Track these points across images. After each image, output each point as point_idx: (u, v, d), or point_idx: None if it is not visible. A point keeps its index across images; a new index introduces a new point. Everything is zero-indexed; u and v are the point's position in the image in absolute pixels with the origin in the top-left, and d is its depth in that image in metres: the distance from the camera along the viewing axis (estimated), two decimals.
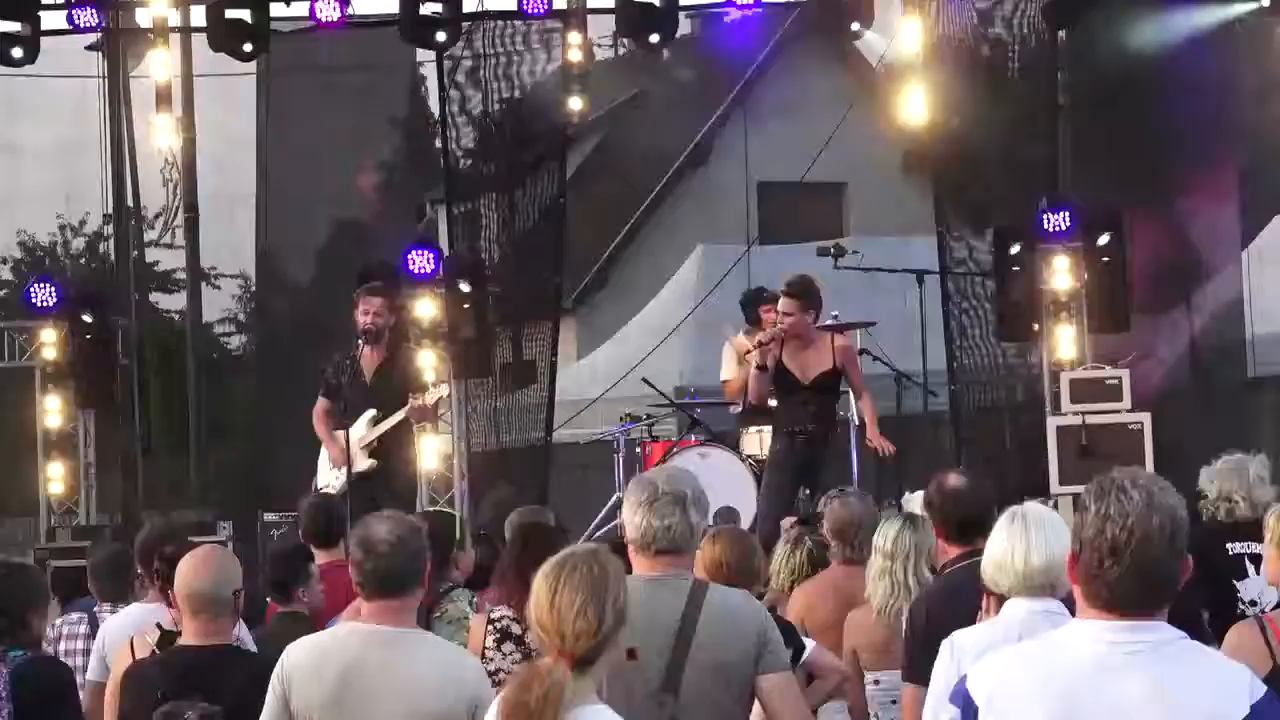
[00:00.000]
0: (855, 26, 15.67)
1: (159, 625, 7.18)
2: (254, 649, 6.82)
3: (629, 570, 5.85)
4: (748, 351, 12.99)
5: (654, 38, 15.39)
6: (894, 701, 7.45)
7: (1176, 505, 3.79)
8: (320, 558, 8.77)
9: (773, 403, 13.23)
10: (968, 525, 6.69)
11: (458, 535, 8.06)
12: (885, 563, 7.64)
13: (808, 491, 13.03)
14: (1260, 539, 7.78)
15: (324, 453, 12.90)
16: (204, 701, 5.90)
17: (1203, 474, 8.68)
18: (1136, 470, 3.87)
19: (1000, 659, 3.92)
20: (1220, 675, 3.79)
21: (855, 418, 14.86)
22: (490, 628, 7.12)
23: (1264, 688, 3.77)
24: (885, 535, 7.71)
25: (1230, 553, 8.26)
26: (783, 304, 12.94)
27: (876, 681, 7.65)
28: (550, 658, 4.47)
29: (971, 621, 6.06)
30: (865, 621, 7.71)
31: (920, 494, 8.96)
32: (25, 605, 6.92)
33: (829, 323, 15.35)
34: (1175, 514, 3.77)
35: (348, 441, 12.21)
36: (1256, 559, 8.02)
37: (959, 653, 5.90)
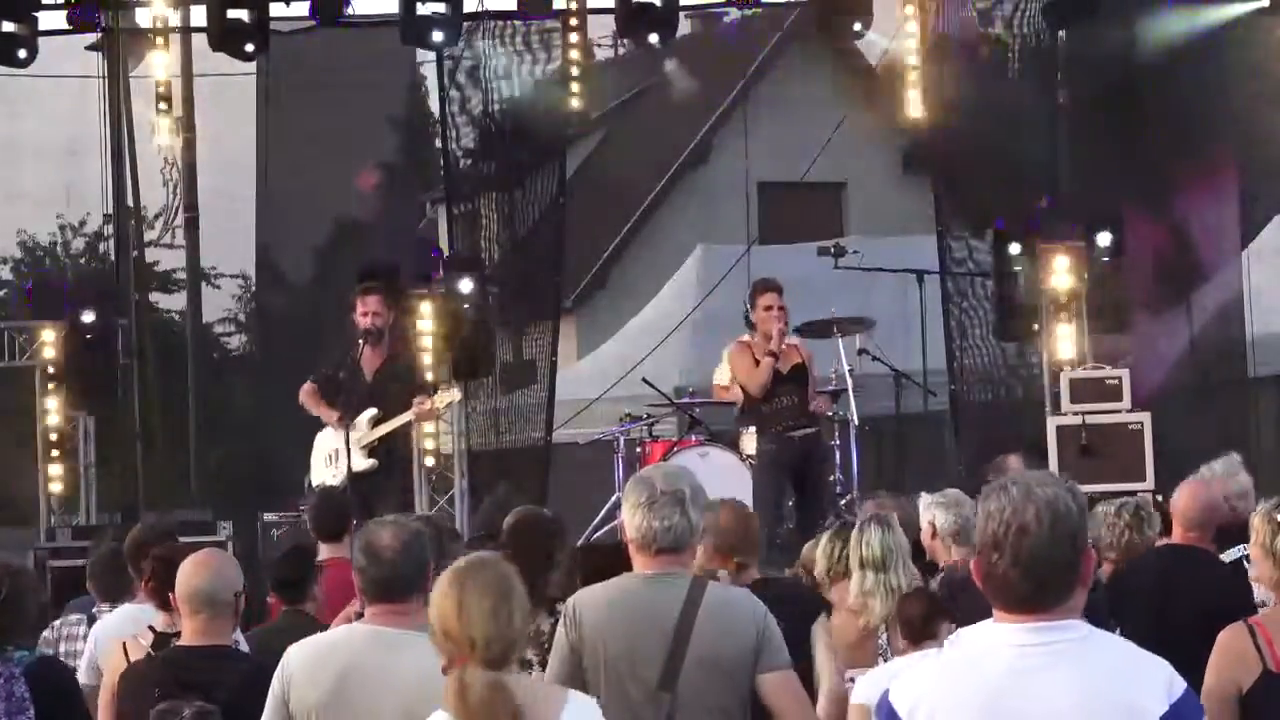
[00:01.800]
0: (855, 26, 15.67)
1: (151, 628, 7.17)
2: (247, 650, 6.81)
3: (629, 569, 5.87)
4: (768, 352, 13.10)
5: (654, 38, 15.39)
6: None
7: (1057, 497, 3.82)
8: (326, 553, 8.79)
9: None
10: None
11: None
12: (878, 575, 7.62)
13: (792, 502, 13.09)
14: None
15: (317, 451, 12.86)
16: (200, 700, 5.90)
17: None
18: (1028, 470, 3.94)
19: (920, 670, 3.95)
20: (1138, 671, 3.79)
21: (854, 418, 14.87)
22: None
23: (1184, 684, 3.78)
24: (870, 545, 7.68)
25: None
26: (774, 298, 13.10)
27: (851, 680, 7.64)
28: (451, 665, 4.54)
29: None
30: (838, 623, 7.68)
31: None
32: (30, 605, 6.92)
33: (827, 318, 15.39)
34: (1056, 505, 3.80)
35: (348, 441, 12.18)
36: None
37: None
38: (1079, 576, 3.83)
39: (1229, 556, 8.18)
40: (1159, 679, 3.77)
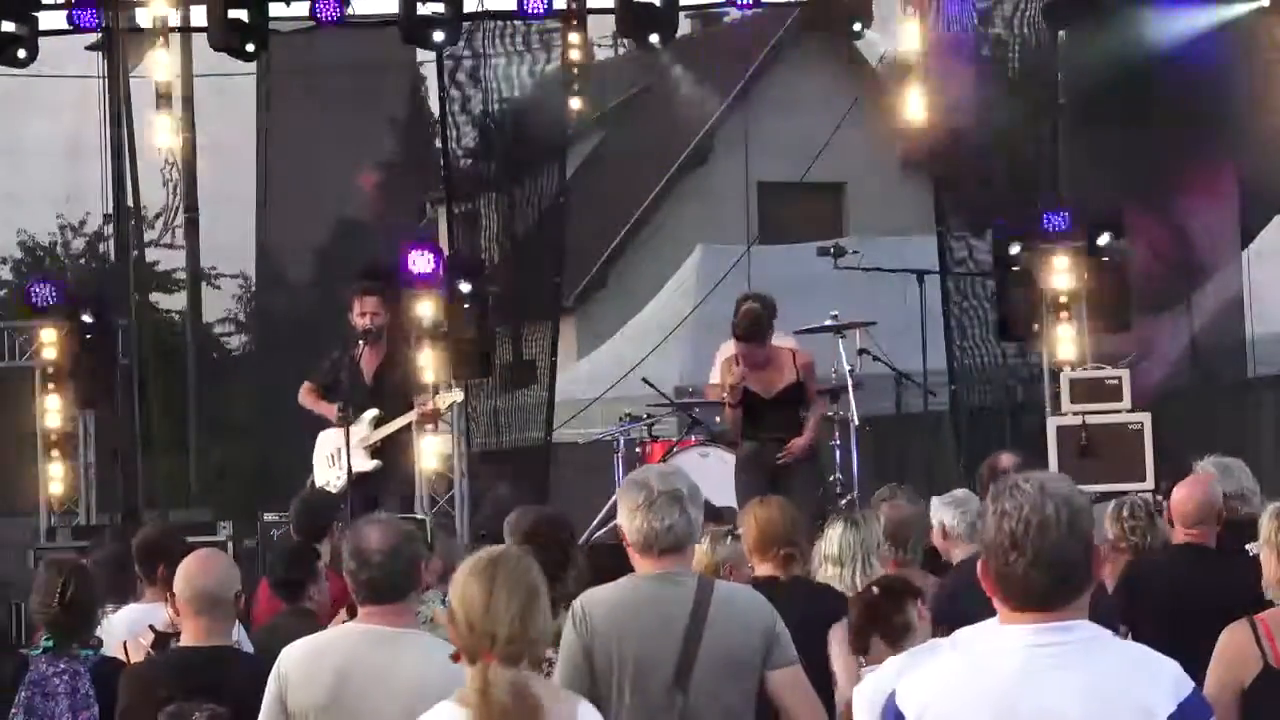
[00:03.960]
0: (855, 26, 15.67)
1: (152, 627, 7.17)
2: (250, 650, 6.82)
3: (629, 571, 5.87)
4: (723, 390, 12.72)
5: (654, 38, 15.39)
6: None
7: (1072, 494, 3.81)
8: None
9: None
10: None
11: (427, 541, 8.10)
12: (835, 569, 7.67)
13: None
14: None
15: (319, 451, 12.85)
16: (210, 702, 5.90)
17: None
18: (1035, 471, 3.93)
19: (927, 672, 3.93)
20: (1146, 671, 3.79)
21: (854, 418, 14.86)
22: None
23: (1191, 684, 3.78)
24: (831, 541, 7.73)
25: (1251, 554, 8.31)
26: (738, 348, 12.35)
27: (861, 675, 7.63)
28: (468, 657, 4.52)
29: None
30: None
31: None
32: (95, 604, 6.94)
33: (827, 322, 15.37)
34: (1071, 501, 3.80)
35: (348, 441, 12.17)
36: None
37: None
38: (1091, 573, 3.83)
39: (1253, 550, 8.30)
40: (1167, 679, 3.76)
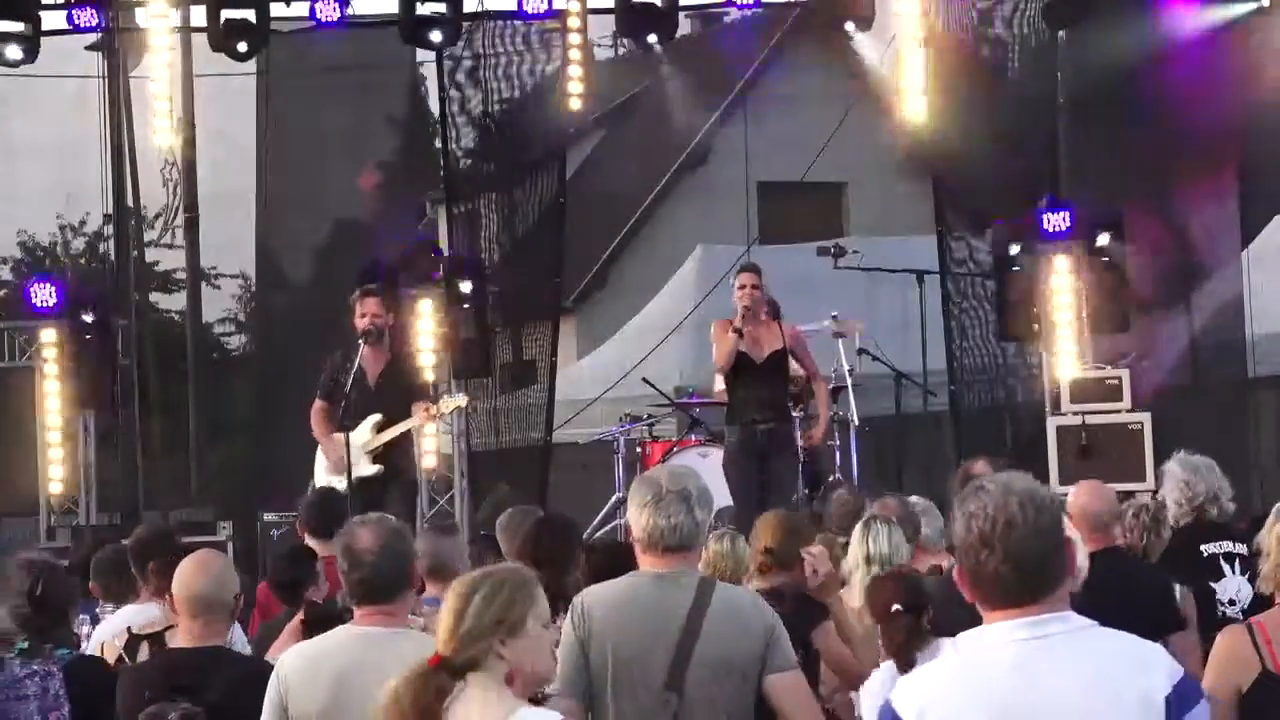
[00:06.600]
0: (854, 26, 15.67)
1: (129, 629, 7.18)
2: (248, 651, 6.81)
3: (635, 568, 5.87)
4: (733, 328, 12.90)
5: (654, 38, 15.39)
6: None
7: (1035, 490, 3.89)
8: (320, 550, 8.77)
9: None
10: None
11: None
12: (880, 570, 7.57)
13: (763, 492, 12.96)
14: (1232, 538, 8.03)
15: (320, 457, 12.83)
16: (187, 702, 5.89)
17: (1172, 478, 8.69)
18: (999, 473, 4.00)
19: (922, 674, 3.98)
20: (1138, 656, 3.85)
21: (854, 418, 14.86)
22: None
23: (1181, 668, 3.84)
24: (878, 541, 7.62)
25: (1205, 554, 8.34)
26: (746, 277, 12.87)
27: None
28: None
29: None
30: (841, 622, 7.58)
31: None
32: (68, 603, 6.92)
33: (826, 323, 15.37)
34: (1035, 498, 3.87)
35: (348, 445, 12.14)
36: (1232, 558, 8.18)
37: None
38: (1064, 566, 3.90)
39: (1208, 550, 8.34)
40: (1159, 662, 3.84)
